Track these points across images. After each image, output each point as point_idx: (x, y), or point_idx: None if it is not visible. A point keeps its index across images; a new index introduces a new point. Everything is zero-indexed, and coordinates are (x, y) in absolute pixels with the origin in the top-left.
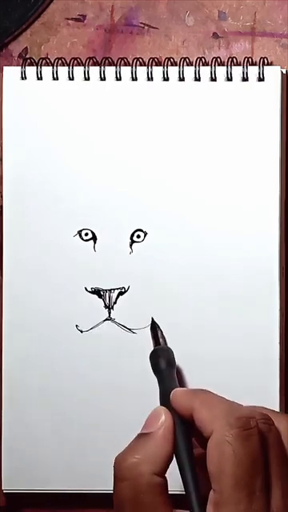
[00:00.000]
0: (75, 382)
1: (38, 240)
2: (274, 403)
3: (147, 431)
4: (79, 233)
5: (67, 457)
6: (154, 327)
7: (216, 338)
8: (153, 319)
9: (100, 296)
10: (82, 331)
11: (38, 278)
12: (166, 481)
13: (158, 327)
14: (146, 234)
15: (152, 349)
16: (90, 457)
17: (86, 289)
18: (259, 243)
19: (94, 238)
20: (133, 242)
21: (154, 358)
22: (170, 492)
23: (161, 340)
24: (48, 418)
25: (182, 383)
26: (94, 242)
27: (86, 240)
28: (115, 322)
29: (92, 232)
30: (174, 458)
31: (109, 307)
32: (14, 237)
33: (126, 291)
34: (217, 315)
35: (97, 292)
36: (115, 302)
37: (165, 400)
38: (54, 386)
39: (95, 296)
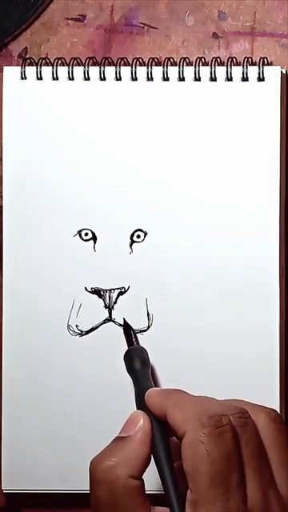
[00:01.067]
0: (75, 382)
1: (38, 240)
2: (274, 403)
3: (125, 435)
4: (79, 233)
5: (67, 457)
6: (127, 328)
7: (216, 338)
8: (124, 320)
9: (100, 296)
10: (82, 331)
11: (38, 278)
12: (143, 482)
13: (131, 327)
14: (146, 234)
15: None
16: (89, 457)
17: (86, 289)
18: (259, 243)
19: (94, 237)
20: (133, 241)
21: (128, 358)
22: (149, 492)
23: (134, 340)
24: (48, 418)
25: (180, 384)
26: (94, 242)
27: (86, 240)
28: (115, 322)
29: (92, 232)
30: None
31: (109, 307)
32: (14, 237)
33: (125, 291)
34: (217, 315)
35: (97, 292)
36: (115, 302)
37: (140, 400)
38: (54, 386)
39: (95, 296)
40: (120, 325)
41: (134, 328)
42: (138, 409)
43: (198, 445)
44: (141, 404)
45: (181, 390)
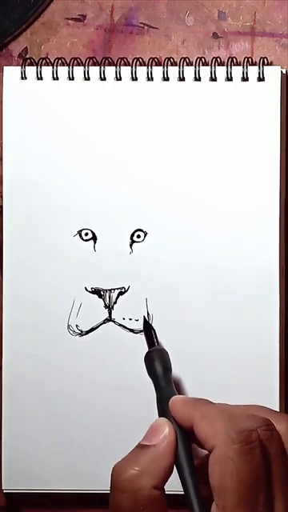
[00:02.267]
0: (75, 381)
1: (38, 240)
2: (273, 403)
3: (149, 443)
4: (79, 233)
5: (67, 457)
6: (148, 327)
7: (216, 338)
8: (145, 319)
9: (100, 296)
10: (82, 331)
11: (38, 278)
12: (165, 492)
13: (152, 327)
14: (146, 234)
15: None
16: (89, 457)
17: (86, 289)
18: (259, 243)
19: (94, 237)
20: (133, 241)
21: (149, 360)
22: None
23: (155, 340)
24: (48, 418)
25: (181, 384)
26: (94, 242)
27: (86, 240)
28: (115, 322)
29: (92, 232)
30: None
31: (109, 307)
32: (14, 237)
33: (125, 291)
34: (217, 315)
35: (97, 292)
36: (115, 302)
37: (163, 407)
38: (54, 386)
39: (95, 296)
40: (120, 325)
41: (134, 328)
42: (160, 415)
43: (227, 461)
44: (163, 410)
45: (207, 400)
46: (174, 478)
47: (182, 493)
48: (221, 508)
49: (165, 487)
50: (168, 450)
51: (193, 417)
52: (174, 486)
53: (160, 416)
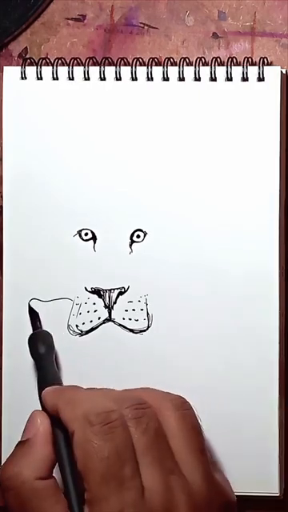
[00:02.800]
0: (75, 382)
1: (38, 240)
2: (273, 403)
3: (25, 438)
4: (79, 233)
5: None
6: (32, 311)
7: (216, 338)
8: (29, 304)
9: (100, 296)
10: (81, 331)
11: (38, 278)
12: (55, 481)
13: (35, 311)
14: (145, 234)
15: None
16: None
17: (85, 289)
18: (259, 243)
19: (94, 238)
20: (133, 242)
21: (33, 342)
22: None
23: (38, 324)
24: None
25: (180, 384)
26: (94, 242)
27: (86, 240)
28: (115, 322)
29: (92, 232)
30: None
31: (109, 307)
32: (14, 237)
33: (125, 291)
34: (216, 315)
35: (97, 292)
36: (115, 302)
37: (41, 390)
38: None
39: (95, 296)
40: (120, 325)
41: (134, 328)
42: (39, 397)
43: (86, 443)
44: (41, 391)
45: (75, 386)
46: None
47: None
48: (88, 491)
49: None
50: (42, 440)
51: (58, 405)
52: None
53: (39, 398)
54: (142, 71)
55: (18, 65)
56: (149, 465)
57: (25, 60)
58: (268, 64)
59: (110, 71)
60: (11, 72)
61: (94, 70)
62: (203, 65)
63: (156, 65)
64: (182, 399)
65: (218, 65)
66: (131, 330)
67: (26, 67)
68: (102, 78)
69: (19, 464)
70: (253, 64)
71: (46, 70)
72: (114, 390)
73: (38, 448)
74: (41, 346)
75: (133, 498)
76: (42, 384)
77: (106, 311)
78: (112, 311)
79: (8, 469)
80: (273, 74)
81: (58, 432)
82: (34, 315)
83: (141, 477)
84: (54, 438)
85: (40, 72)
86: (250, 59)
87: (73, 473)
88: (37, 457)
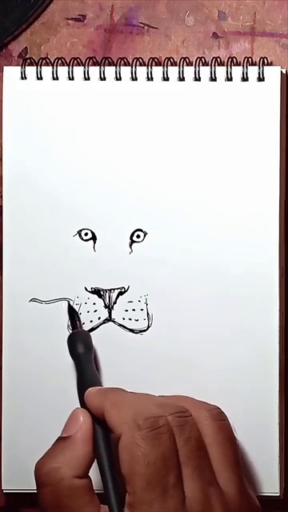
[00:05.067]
0: (75, 382)
1: (38, 240)
2: (273, 404)
3: (66, 435)
4: (79, 233)
5: None
6: (71, 311)
7: (216, 338)
8: (69, 303)
9: (100, 296)
10: None
11: (38, 278)
12: (90, 481)
13: (75, 311)
14: (145, 234)
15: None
16: None
17: (85, 289)
18: (259, 243)
19: (94, 237)
20: (133, 242)
21: (72, 342)
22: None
23: (78, 324)
24: (48, 418)
25: (180, 384)
26: (94, 242)
27: (86, 240)
28: (115, 322)
29: (92, 232)
30: None
31: (109, 307)
32: (13, 237)
33: (125, 291)
34: (217, 315)
35: (97, 292)
36: (115, 302)
37: (82, 390)
38: (54, 386)
39: (95, 296)
40: (120, 325)
41: (134, 328)
42: (79, 397)
43: (133, 447)
44: (82, 394)
45: (120, 389)
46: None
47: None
48: (131, 494)
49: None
50: (84, 438)
51: (103, 406)
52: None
53: (80, 399)
54: (141, 71)
55: (17, 65)
56: (190, 474)
57: (25, 60)
58: (268, 64)
59: (109, 71)
60: (11, 72)
61: (94, 70)
62: (203, 65)
63: (156, 65)
64: (219, 409)
65: (218, 65)
66: (131, 330)
67: (26, 67)
68: (102, 78)
69: (58, 460)
70: (253, 64)
71: (46, 70)
72: (155, 395)
73: (78, 446)
74: (80, 345)
75: (175, 505)
76: (81, 384)
77: (105, 311)
78: (112, 311)
79: (46, 464)
80: (273, 73)
81: (98, 432)
82: (73, 314)
83: (183, 485)
84: (94, 438)
85: (40, 72)
86: (249, 59)
87: (112, 474)
88: (77, 455)
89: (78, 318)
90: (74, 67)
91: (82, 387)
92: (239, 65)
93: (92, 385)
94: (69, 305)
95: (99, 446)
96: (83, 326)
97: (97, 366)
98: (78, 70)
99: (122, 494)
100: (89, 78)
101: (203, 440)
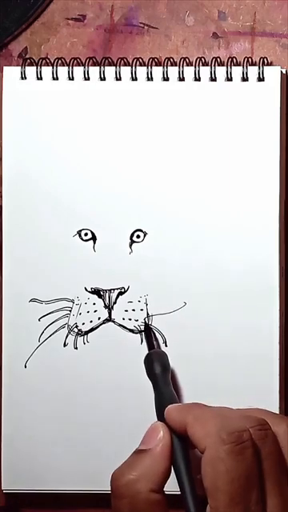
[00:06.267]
0: (75, 382)
1: (38, 240)
2: (273, 403)
3: (145, 447)
4: (79, 233)
5: (67, 457)
6: (148, 330)
7: (216, 338)
8: (146, 322)
9: (100, 296)
10: (81, 331)
11: (38, 278)
12: (164, 495)
13: (152, 330)
14: (145, 234)
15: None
16: (89, 457)
17: (85, 289)
18: (259, 243)
19: (94, 238)
20: (132, 242)
21: (148, 362)
22: (168, 493)
23: (155, 343)
24: (48, 418)
25: (181, 384)
26: (94, 242)
27: (86, 240)
28: (115, 322)
29: (92, 232)
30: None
31: (109, 307)
32: (13, 237)
33: (125, 291)
34: (217, 315)
35: (96, 292)
36: (115, 302)
37: (160, 408)
38: (54, 386)
39: (95, 296)
40: (119, 325)
41: (134, 328)
42: (157, 415)
43: (217, 462)
44: (160, 411)
45: (200, 404)
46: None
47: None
48: (214, 509)
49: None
50: (163, 453)
51: (186, 420)
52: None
53: (158, 417)
54: (141, 71)
55: (18, 65)
56: (271, 489)
57: (25, 60)
58: (268, 64)
59: (109, 71)
60: (11, 72)
61: (94, 70)
62: (203, 65)
63: (156, 65)
64: None
65: (218, 65)
66: (131, 330)
67: (26, 67)
68: (102, 78)
69: (136, 472)
70: (253, 64)
71: (46, 70)
72: (232, 408)
73: (158, 460)
74: (156, 365)
75: None
76: (159, 404)
77: (105, 311)
78: (112, 311)
79: (124, 474)
80: (273, 73)
81: (177, 447)
82: (149, 333)
83: (265, 501)
84: (172, 453)
85: (40, 72)
86: (249, 59)
87: (192, 488)
88: (156, 469)
89: (155, 337)
90: (74, 67)
91: (160, 407)
92: (239, 65)
93: (171, 403)
94: (145, 324)
95: (178, 461)
96: (83, 326)
97: (97, 365)
98: (78, 70)
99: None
100: (89, 78)
101: (283, 453)
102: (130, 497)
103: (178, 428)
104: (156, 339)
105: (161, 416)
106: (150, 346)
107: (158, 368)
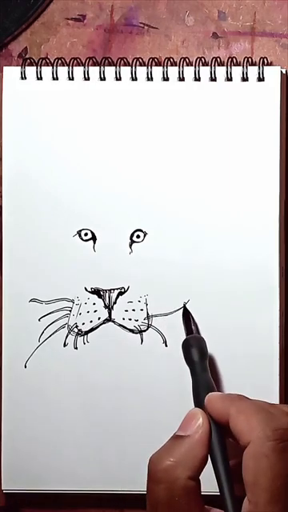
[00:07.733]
0: (75, 382)
1: (38, 240)
2: (273, 402)
3: (184, 433)
4: (79, 233)
5: (67, 457)
6: (187, 314)
7: (216, 338)
8: (185, 306)
9: (100, 296)
10: (81, 331)
11: (38, 278)
12: (200, 483)
13: (191, 314)
14: (145, 234)
15: (184, 338)
16: (89, 457)
17: (85, 289)
18: (259, 243)
19: (94, 238)
20: (132, 242)
21: (186, 347)
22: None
23: (193, 328)
24: (48, 418)
25: (181, 384)
26: (94, 242)
27: (86, 240)
28: (115, 322)
29: (92, 232)
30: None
31: (109, 307)
32: (13, 237)
33: (125, 291)
34: (217, 315)
35: (96, 292)
36: (115, 302)
37: (198, 394)
38: (54, 386)
39: (95, 296)
40: (120, 325)
41: (134, 328)
42: (194, 402)
43: (261, 458)
44: (198, 397)
45: (242, 396)
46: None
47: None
48: (253, 504)
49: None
50: (202, 440)
51: (229, 411)
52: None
53: (195, 403)
54: (141, 71)
55: (18, 65)
56: None
57: (25, 60)
58: (268, 64)
59: (109, 71)
60: (11, 72)
61: (94, 70)
62: (203, 65)
63: (156, 65)
64: None
65: (218, 65)
66: (131, 330)
67: (26, 67)
68: (102, 78)
69: (174, 458)
70: (253, 64)
71: (46, 70)
72: (273, 404)
73: (196, 447)
74: (194, 351)
75: None
76: (196, 392)
77: (105, 311)
78: (112, 311)
79: (163, 459)
80: (273, 73)
81: (215, 435)
82: (189, 317)
83: None
84: (210, 441)
85: (40, 72)
86: (249, 59)
87: (228, 478)
88: (194, 455)
89: (194, 321)
90: (74, 67)
91: (197, 394)
92: (239, 65)
93: (209, 391)
94: (184, 308)
95: (215, 449)
96: (83, 326)
97: (97, 365)
98: (78, 70)
99: (237, 498)
100: (89, 78)
101: None
102: (169, 482)
103: (219, 417)
104: (195, 323)
105: (198, 403)
106: (189, 330)
107: (196, 354)
